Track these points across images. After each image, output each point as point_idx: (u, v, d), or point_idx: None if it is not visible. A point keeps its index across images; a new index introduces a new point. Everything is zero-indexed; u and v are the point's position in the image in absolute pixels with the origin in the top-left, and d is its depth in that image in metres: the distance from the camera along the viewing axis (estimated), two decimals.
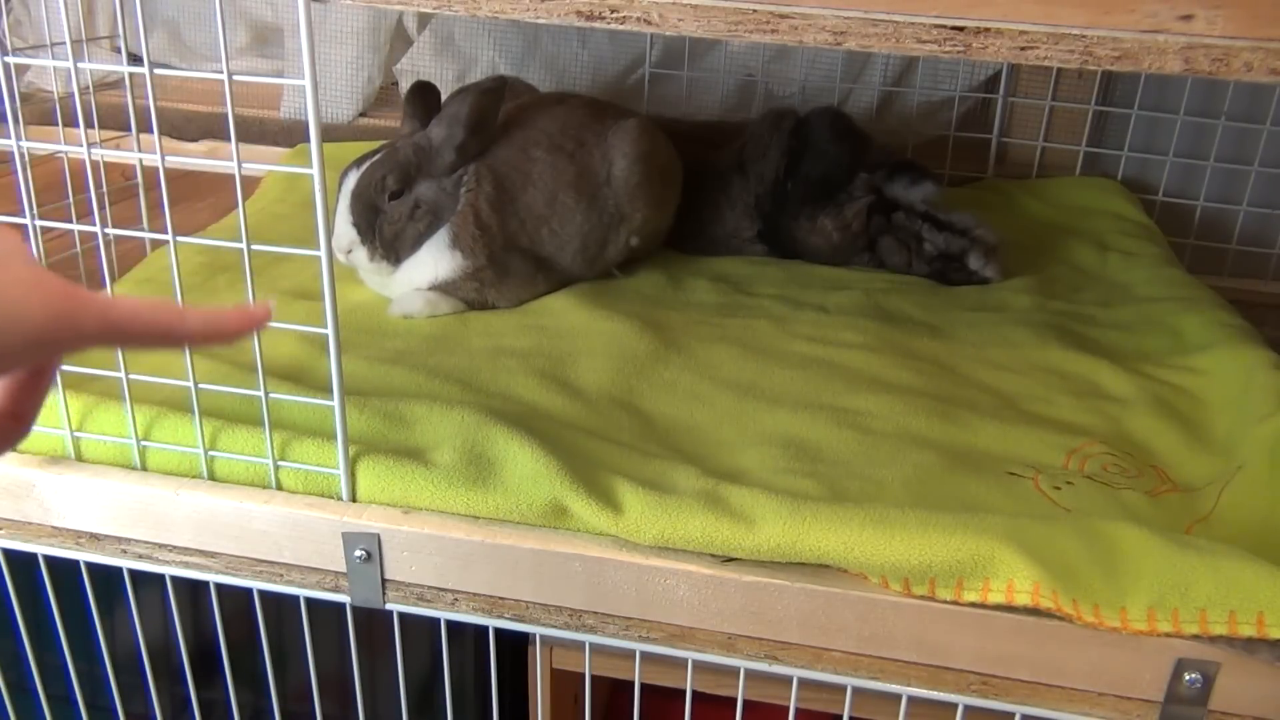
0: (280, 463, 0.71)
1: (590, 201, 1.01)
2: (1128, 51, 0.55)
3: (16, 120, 0.69)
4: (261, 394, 0.69)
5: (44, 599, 0.78)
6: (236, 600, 0.76)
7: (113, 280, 0.70)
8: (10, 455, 0.74)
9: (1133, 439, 0.81)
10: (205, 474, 0.72)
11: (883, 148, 1.20)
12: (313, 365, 0.83)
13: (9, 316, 0.35)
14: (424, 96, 1.02)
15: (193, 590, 0.78)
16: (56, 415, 0.73)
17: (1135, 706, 0.63)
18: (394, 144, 0.98)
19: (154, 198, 0.70)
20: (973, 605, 0.63)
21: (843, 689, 0.68)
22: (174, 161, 0.65)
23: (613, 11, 0.59)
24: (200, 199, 1.24)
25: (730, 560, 0.66)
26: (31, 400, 0.42)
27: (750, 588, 0.65)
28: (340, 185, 0.96)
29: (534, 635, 0.76)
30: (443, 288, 0.98)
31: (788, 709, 0.71)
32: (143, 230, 0.70)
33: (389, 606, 0.72)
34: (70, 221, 0.65)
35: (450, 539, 0.68)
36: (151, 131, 0.63)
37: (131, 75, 0.65)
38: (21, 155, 0.68)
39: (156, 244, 1.00)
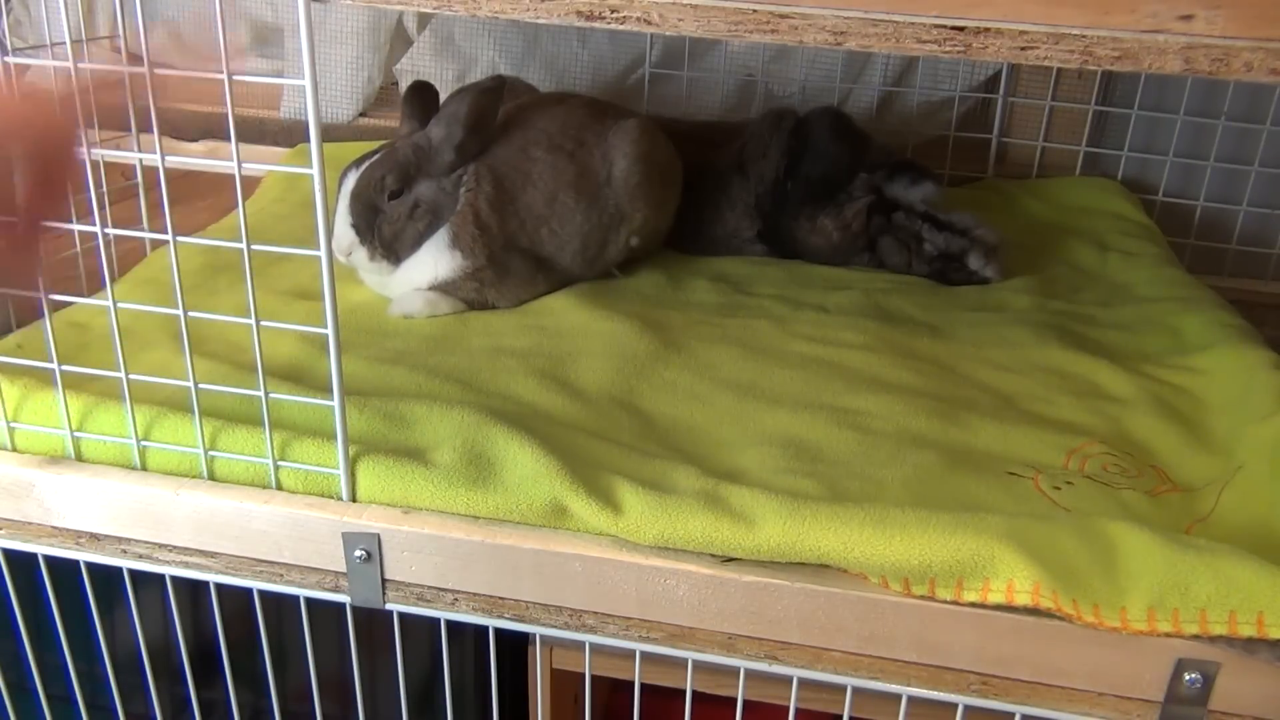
0: (280, 463, 0.71)
1: (590, 201, 1.01)
2: (1128, 51, 0.55)
3: None
4: (261, 394, 0.69)
5: (44, 599, 0.78)
6: (236, 600, 0.76)
7: (112, 280, 0.70)
8: (10, 455, 0.74)
9: (1133, 439, 0.81)
10: (205, 474, 0.72)
11: (883, 148, 1.20)
12: (313, 365, 0.83)
13: None
14: (422, 96, 1.02)
15: (193, 590, 0.78)
16: (56, 415, 0.73)
17: (1135, 706, 0.63)
18: (393, 144, 0.98)
19: (154, 198, 0.70)
20: (973, 605, 0.63)
21: (843, 689, 0.68)
22: (174, 161, 0.65)
23: (613, 11, 0.59)
24: (200, 199, 1.24)
25: (730, 560, 0.66)
26: (49, 205, 0.44)
27: (750, 588, 0.65)
28: (340, 185, 0.96)
29: (534, 635, 0.76)
30: (442, 288, 0.98)
31: (788, 709, 0.71)
32: (143, 230, 0.70)
33: (389, 606, 0.72)
34: (70, 221, 0.65)
35: (450, 539, 0.68)
36: (151, 131, 0.63)
37: (131, 75, 0.65)
38: None
39: (156, 244, 1.00)
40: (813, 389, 0.86)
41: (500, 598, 0.70)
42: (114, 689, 0.83)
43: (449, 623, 0.73)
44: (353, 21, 1.44)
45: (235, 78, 0.60)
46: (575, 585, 0.68)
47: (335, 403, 0.68)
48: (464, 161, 0.97)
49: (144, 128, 0.82)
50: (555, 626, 0.70)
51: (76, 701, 0.85)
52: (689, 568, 0.66)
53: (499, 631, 0.73)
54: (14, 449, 0.75)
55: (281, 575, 0.72)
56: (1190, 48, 0.54)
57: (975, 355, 0.93)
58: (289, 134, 1.46)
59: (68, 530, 0.74)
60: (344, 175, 0.97)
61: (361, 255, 0.96)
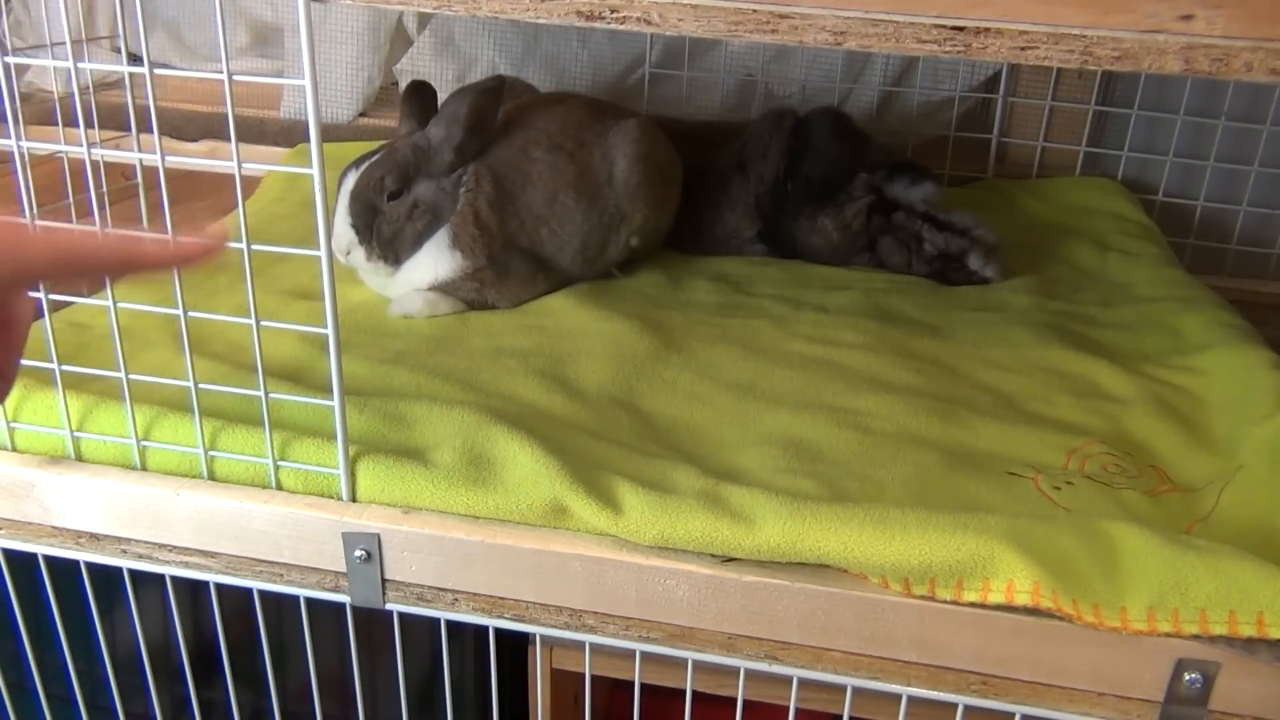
0: (280, 463, 0.71)
1: (590, 201, 1.01)
2: (1128, 51, 0.55)
3: (16, 120, 0.69)
4: (261, 394, 0.69)
5: (44, 599, 0.78)
6: (236, 600, 0.76)
7: (112, 281, 0.70)
8: (10, 455, 0.74)
9: (1133, 439, 0.81)
10: (205, 474, 0.72)
11: (883, 148, 1.20)
12: (313, 365, 0.83)
13: None
14: (421, 96, 1.02)
15: (193, 590, 0.78)
16: (56, 415, 0.73)
17: (1135, 706, 0.63)
18: (392, 144, 0.98)
19: (154, 198, 0.70)
20: (973, 605, 0.63)
21: (843, 689, 0.68)
22: (174, 161, 0.65)
23: (613, 11, 0.59)
24: (200, 199, 1.24)
25: (730, 560, 0.66)
26: (5, 355, 0.40)
27: (750, 588, 0.65)
28: (339, 186, 0.96)
29: (534, 635, 0.76)
30: (442, 288, 0.98)
31: (788, 709, 0.71)
32: (143, 230, 0.70)
33: (389, 606, 0.72)
34: (70, 221, 0.65)
35: (450, 539, 0.68)
36: (151, 131, 0.63)
37: (131, 75, 0.65)
38: (21, 155, 0.68)
39: None
40: (813, 389, 0.86)
41: (500, 598, 0.70)
42: (114, 689, 0.83)
43: (449, 623, 0.73)
44: (353, 21, 1.44)
45: (236, 78, 0.60)
46: (575, 585, 0.68)
47: (335, 403, 0.68)
48: (463, 162, 0.97)
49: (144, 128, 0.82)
50: (555, 626, 0.70)
51: (76, 701, 0.85)
52: (689, 568, 0.66)
53: (499, 631, 0.73)
54: (14, 449, 0.75)
55: (281, 575, 0.72)
56: (1190, 48, 0.54)
57: (975, 355, 0.93)
58: (289, 134, 1.46)
59: (68, 530, 0.74)
60: (344, 175, 0.97)
61: (360, 255, 0.96)
